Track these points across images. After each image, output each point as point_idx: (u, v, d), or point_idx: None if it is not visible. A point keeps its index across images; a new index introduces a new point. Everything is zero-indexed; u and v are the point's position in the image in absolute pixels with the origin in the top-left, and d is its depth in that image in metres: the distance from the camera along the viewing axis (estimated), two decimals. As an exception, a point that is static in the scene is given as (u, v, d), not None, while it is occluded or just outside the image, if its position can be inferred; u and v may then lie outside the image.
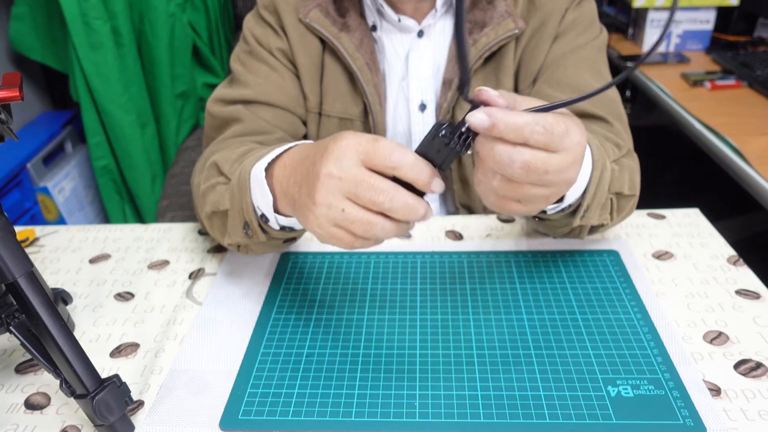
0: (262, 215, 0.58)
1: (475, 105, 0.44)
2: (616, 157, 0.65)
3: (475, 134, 0.45)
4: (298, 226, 0.60)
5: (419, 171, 0.45)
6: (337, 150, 0.46)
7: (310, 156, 0.50)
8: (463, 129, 0.45)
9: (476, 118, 0.43)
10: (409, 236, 0.48)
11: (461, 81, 0.44)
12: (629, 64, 1.49)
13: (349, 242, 0.48)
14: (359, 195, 0.45)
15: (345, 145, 0.46)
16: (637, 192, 0.68)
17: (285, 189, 0.53)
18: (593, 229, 0.68)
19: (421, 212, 0.46)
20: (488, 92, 0.44)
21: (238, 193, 0.59)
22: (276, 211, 0.56)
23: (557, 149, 0.44)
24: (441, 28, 0.78)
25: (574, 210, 0.60)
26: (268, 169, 0.56)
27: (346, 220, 0.46)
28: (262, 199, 0.56)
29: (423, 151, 0.46)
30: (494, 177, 0.46)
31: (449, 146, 0.45)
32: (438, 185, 0.46)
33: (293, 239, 0.66)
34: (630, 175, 0.66)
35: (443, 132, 0.45)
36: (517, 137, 0.43)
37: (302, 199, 0.49)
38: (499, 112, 0.43)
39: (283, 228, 0.59)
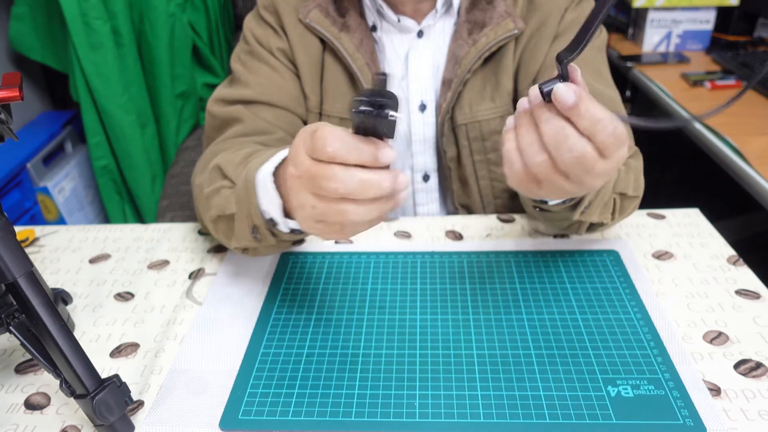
0: (270, 219, 0.58)
1: (560, 77, 0.44)
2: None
3: (389, 104, 0.42)
4: None
5: (358, 152, 0.43)
6: (293, 149, 0.46)
7: None
8: (379, 99, 0.42)
9: (563, 92, 0.42)
10: (391, 219, 0.47)
11: (571, 48, 0.43)
12: (629, 63, 1.49)
13: (338, 231, 0.47)
14: (317, 188, 0.44)
15: (296, 143, 0.46)
16: (641, 194, 0.68)
17: (289, 193, 0.53)
18: (592, 227, 0.68)
19: (385, 184, 0.44)
20: (579, 73, 0.44)
21: (245, 197, 0.58)
22: (287, 215, 0.56)
23: (609, 156, 0.44)
24: (440, 28, 0.78)
25: (574, 204, 0.60)
26: (276, 173, 0.56)
27: (320, 215, 0.46)
28: (269, 203, 0.56)
29: (360, 127, 0.44)
30: (541, 153, 0.45)
31: (375, 115, 0.42)
32: (385, 155, 0.44)
33: (301, 240, 0.66)
34: (635, 176, 0.66)
35: (362, 107, 0.42)
36: (587, 128, 0.43)
37: (290, 203, 0.50)
38: (586, 95, 0.42)
39: (292, 231, 0.59)
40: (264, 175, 0.56)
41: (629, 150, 0.67)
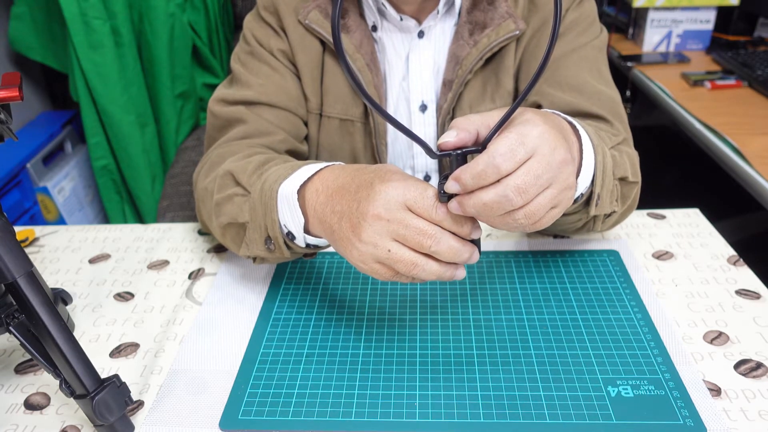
0: (289, 233, 0.59)
1: (449, 154, 0.47)
2: (613, 143, 0.65)
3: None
4: (323, 243, 0.60)
5: (459, 225, 0.48)
6: (385, 194, 0.49)
7: (349, 188, 0.52)
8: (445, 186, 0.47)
9: (451, 188, 0.46)
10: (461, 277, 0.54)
11: (427, 151, 0.48)
12: (629, 63, 1.49)
13: (390, 277, 0.51)
14: (407, 238, 0.48)
15: (393, 188, 0.49)
16: (639, 180, 0.68)
17: (321, 216, 0.54)
18: (606, 220, 0.68)
19: (465, 256, 0.49)
20: (449, 141, 0.47)
21: (261, 209, 0.59)
22: (306, 231, 0.58)
23: (530, 155, 0.45)
24: (441, 29, 0.78)
25: (586, 200, 0.60)
26: (300, 190, 0.57)
27: (391, 260, 0.49)
28: (291, 219, 0.58)
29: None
30: (511, 215, 0.47)
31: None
32: (477, 232, 0.50)
33: (314, 253, 0.66)
34: (631, 161, 0.66)
35: (439, 189, 0.48)
36: (491, 176, 0.44)
37: (344, 233, 0.51)
38: (462, 171, 0.45)
39: (308, 245, 0.60)
40: (288, 192, 0.57)
41: (618, 137, 0.68)
